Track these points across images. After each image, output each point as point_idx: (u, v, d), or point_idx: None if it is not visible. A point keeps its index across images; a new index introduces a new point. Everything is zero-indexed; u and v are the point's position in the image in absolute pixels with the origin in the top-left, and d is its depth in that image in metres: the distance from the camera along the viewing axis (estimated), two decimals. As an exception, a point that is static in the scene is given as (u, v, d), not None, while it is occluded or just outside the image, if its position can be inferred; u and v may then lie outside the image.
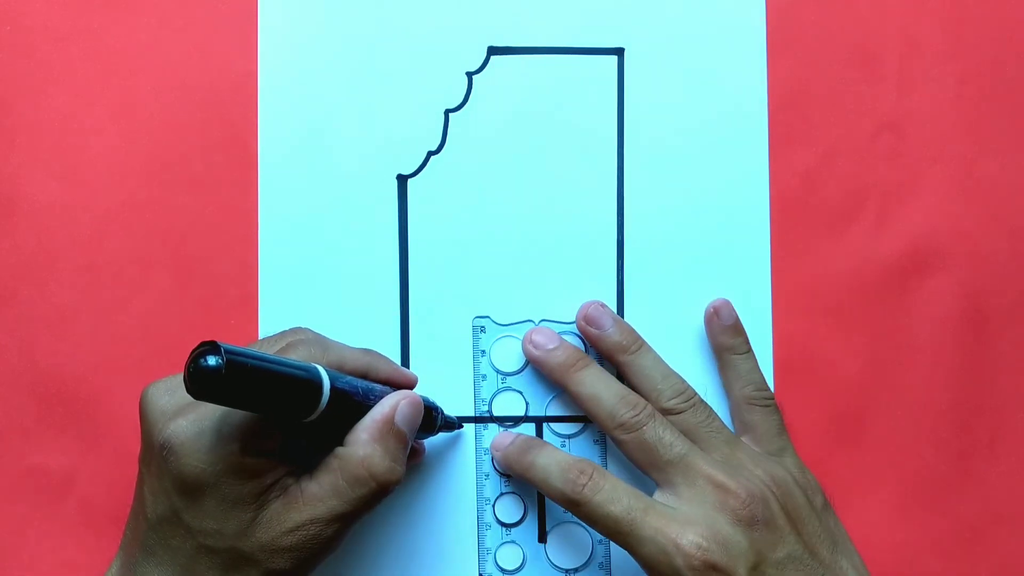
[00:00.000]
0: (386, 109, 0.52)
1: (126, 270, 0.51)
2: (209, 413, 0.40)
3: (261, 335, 0.51)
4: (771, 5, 0.53)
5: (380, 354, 0.47)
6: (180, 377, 0.42)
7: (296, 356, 0.42)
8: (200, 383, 0.36)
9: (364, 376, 0.45)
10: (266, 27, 0.52)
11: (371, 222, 0.52)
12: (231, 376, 0.36)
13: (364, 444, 0.42)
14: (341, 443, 0.43)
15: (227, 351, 0.36)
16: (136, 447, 0.51)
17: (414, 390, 0.47)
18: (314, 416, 0.40)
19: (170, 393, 0.42)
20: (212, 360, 0.36)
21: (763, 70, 0.53)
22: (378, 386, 0.45)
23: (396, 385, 0.47)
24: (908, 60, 0.53)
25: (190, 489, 0.40)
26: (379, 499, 0.43)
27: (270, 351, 0.43)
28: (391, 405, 0.43)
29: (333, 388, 0.41)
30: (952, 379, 0.52)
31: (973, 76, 0.53)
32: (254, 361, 0.38)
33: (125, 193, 0.51)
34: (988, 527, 0.52)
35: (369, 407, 0.43)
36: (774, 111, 0.52)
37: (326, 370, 0.41)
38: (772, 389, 0.52)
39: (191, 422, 0.40)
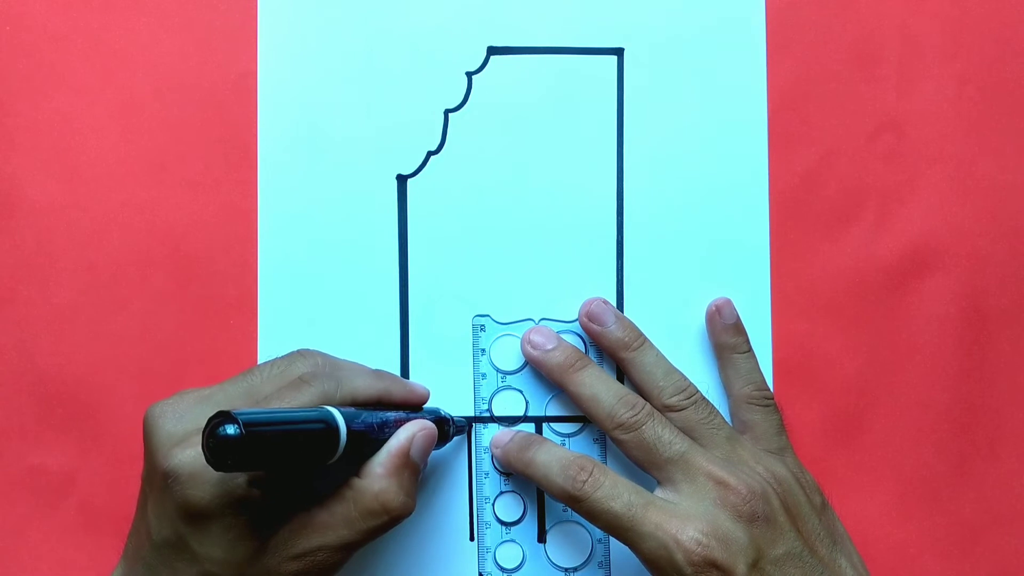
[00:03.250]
0: (386, 109, 0.52)
1: (126, 270, 0.51)
2: None
3: (260, 335, 0.51)
4: (771, 5, 0.53)
5: (391, 375, 0.48)
6: (186, 400, 0.42)
7: (309, 396, 0.42)
8: (221, 454, 0.36)
9: (377, 402, 0.45)
10: (266, 27, 0.52)
11: (371, 222, 0.52)
12: (250, 443, 0.36)
13: (379, 478, 0.43)
14: (352, 471, 0.43)
15: (244, 420, 0.36)
16: (136, 448, 0.51)
17: (425, 404, 0.48)
18: (331, 461, 0.41)
19: (177, 418, 0.42)
20: (230, 429, 0.36)
21: (763, 70, 0.53)
22: (391, 415, 0.45)
23: (409, 406, 0.47)
24: (908, 60, 0.53)
25: (195, 518, 0.40)
26: (389, 529, 0.43)
27: (279, 386, 0.43)
28: (407, 438, 0.44)
29: (349, 430, 0.41)
30: (952, 379, 0.52)
31: (973, 76, 0.53)
32: (273, 427, 0.37)
33: (125, 193, 0.52)
34: (987, 527, 0.52)
35: (384, 440, 0.43)
36: (774, 111, 0.52)
37: (341, 412, 0.41)
38: (771, 389, 0.52)
39: (198, 453, 0.39)
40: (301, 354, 0.45)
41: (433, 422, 0.46)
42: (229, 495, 0.40)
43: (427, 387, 0.49)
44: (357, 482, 0.43)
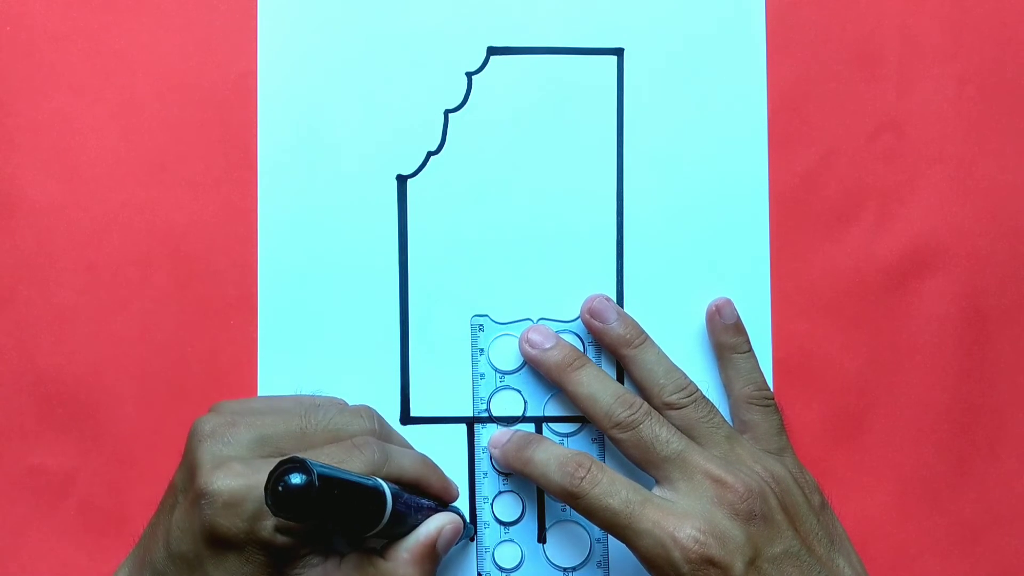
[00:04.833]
0: (386, 109, 0.52)
1: (126, 270, 0.51)
2: (258, 482, 0.40)
3: (260, 335, 0.51)
4: (771, 5, 0.53)
5: (431, 462, 0.48)
6: (239, 426, 0.43)
7: (359, 463, 0.43)
8: (286, 500, 0.37)
9: (415, 485, 0.46)
10: (266, 27, 0.52)
11: (371, 222, 0.52)
12: (318, 498, 0.37)
13: (405, 564, 0.44)
14: (370, 542, 0.44)
15: (318, 474, 0.37)
16: (135, 447, 0.51)
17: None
18: (369, 534, 0.41)
19: (225, 442, 0.42)
20: (300, 479, 0.36)
21: (763, 70, 0.53)
22: (424, 501, 0.46)
23: (441, 499, 0.48)
24: (908, 60, 0.53)
25: (217, 544, 0.41)
26: None
27: (329, 440, 0.44)
28: (436, 528, 0.45)
29: (393, 509, 0.41)
30: (952, 379, 0.52)
31: (973, 76, 0.53)
32: (338, 488, 0.38)
33: (125, 193, 0.52)
34: (987, 527, 0.52)
35: (414, 524, 0.44)
36: (773, 111, 0.52)
37: (389, 488, 0.42)
38: (771, 389, 0.52)
39: (239, 485, 0.40)
40: (359, 413, 0.46)
41: None
42: (255, 534, 0.40)
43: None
44: (382, 564, 0.43)
